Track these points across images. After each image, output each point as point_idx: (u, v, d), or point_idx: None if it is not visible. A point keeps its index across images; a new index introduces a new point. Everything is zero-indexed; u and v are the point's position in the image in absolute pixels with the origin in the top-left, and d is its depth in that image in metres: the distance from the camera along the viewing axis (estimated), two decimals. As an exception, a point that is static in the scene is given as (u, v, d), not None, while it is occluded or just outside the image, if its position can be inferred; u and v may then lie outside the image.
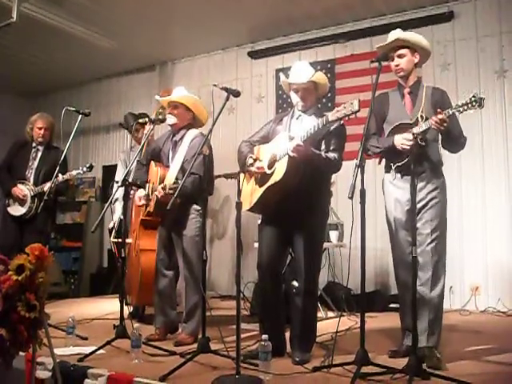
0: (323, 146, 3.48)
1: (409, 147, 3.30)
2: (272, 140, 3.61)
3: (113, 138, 9.13)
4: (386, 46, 3.54)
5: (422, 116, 3.35)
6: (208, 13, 6.54)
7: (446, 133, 3.31)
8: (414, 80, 3.56)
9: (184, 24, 6.91)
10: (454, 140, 3.45)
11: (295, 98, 3.66)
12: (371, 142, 3.58)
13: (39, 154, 5.40)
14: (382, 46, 3.58)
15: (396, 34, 3.54)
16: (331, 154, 3.46)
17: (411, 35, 3.53)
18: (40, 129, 5.34)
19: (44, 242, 4.93)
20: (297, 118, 3.68)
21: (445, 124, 3.17)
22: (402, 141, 3.35)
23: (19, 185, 5.22)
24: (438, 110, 3.19)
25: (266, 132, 3.79)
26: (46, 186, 4.98)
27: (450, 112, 3.15)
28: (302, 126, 3.56)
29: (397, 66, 3.52)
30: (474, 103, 3.05)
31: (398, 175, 3.49)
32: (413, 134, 3.29)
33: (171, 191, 3.67)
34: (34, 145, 5.40)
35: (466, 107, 3.09)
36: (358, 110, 2.97)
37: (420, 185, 3.35)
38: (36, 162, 5.36)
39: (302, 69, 3.65)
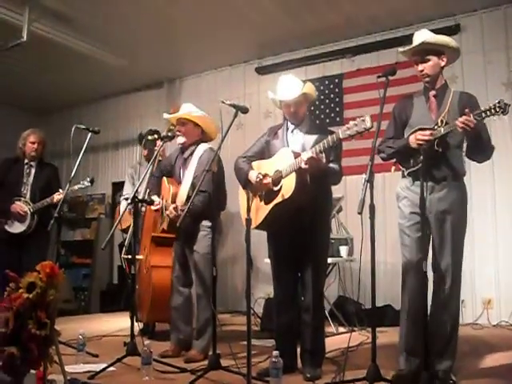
0: (324, 158, 3.44)
1: (425, 142, 3.15)
2: (273, 155, 3.61)
3: (121, 154, 9.19)
4: (411, 50, 3.37)
5: (442, 120, 3.21)
6: (215, 30, 6.60)
7: (476, 137, 3.14)
8: (441, 83, 3.40)
9: (191, 41, 6.97)
10: (483, 147, 3.26)
11: (287, 113, 3.66)
12: (386, 143, 3.47)
13: (33, 170, 5.38)
14: (405, 51, 3.41)
15: (421, 36, 3.34)
16: (334, 165, 3.47)
17: (437, 38, 3.33)
18: (33, 143, 5.33)
19: (43, 257, 4.95)
20: (292, 131, 3.68)
21: (471, 125, 2.99)
22: (418, 136, 3.19)
23: (17, 202, 5.21)
24: (466, 110, 3.03)
25: (261, 146, 3.78)
26: (46, 202, 5.04)
27: (472, 117, 2.99)
28: (300, 139, 3.58)
29: (421, 71, 3.34)
30: (498, 109, 2.94)
31: (417, 182, 3.27)
32: (431, 134, 3.17)
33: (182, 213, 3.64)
34: (26, 161, 5.40)
35: (489, 113, 2.96)
36: (371, 127, 2.92)
37: (440, 194, 3.25)
38: (31, 179, 5.34)
39: (290, 84, 3.61)
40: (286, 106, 3.62)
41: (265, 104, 7.44)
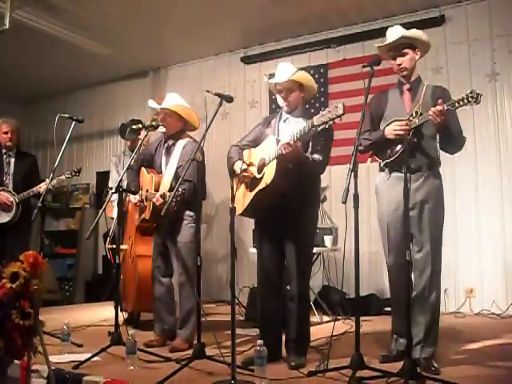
0: (310, 148, 3.48)
1: (402, 132, 3.26)
2: (261, 143, 3.63)
3: (106, 144, 9.13)
4: (390, 45, 3.45)
5: (416, 112, 3.28)
6: (201, 19, 6.55)
7: (445, 129, 3.22)
8: (415, 77, 3.49)
9: (177, 30, 6.93)
10: (453, 138, 3.35)
11: (280, 100, 3.68)
12: (363, 135, 3.52)
13: (12, 159, 5.35)
14: (383, 46, 3.48)
15: (398, 31, 3.42)
16: (316, 156, 3.48)
17: (412, 32, 3.42)
18: (6, 133, 5.28)
19: (27, 245, 5.05)
20: (284, 121, 3.70)
21: (442, 117, 3.08)
22: (394, 127, 3.31)
23: (1, 192, 5.17)
24: (439, 100, 3.12)
25: (255, 135, 3.80)
26: (32, 192, 5.05)
27: (446, 107, 3.07)
28: (290, 128, 3.59)
29: (400, 65, 3.43)
30: (470, 99, 2.98)
31: (394, 174, 3.40)
32: (406, 125, 3.26)
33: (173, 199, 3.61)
34: (4, 151, 5.35)
35: (462, 103, 3.02)
36: (343, 114, 2.95)
37: (416, 184, 3.31)
38: (11, 169, 5.31)
39: (284, 69, 3.64)
40: (279, 91, 3.65)
41: (250, 93, 7.44)
